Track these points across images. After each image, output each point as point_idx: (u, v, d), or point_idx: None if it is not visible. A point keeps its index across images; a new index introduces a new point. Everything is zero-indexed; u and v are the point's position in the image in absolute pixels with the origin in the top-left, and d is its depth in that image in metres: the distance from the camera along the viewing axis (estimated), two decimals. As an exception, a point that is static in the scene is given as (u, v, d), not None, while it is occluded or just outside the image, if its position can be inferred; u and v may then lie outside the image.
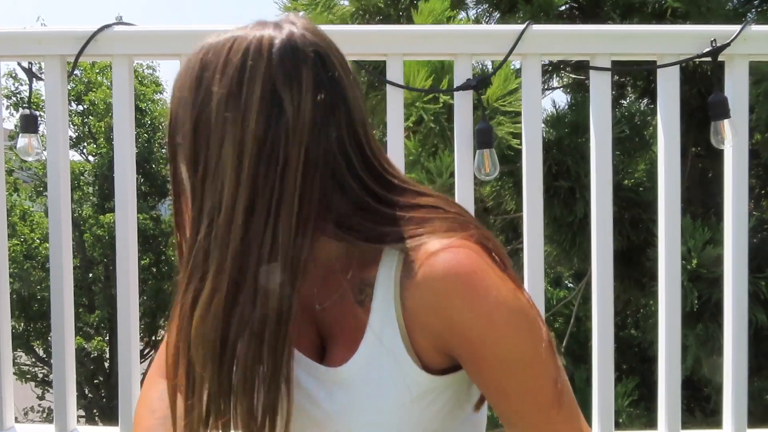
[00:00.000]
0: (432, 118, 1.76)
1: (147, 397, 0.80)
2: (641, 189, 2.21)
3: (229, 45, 0.65)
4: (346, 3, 2.58)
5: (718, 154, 1.37)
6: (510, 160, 1.85)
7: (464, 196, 1.29)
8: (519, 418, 0.66)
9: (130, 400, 1.33)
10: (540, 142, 1.31)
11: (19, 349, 9.11)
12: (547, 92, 2.76)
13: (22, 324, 9.19)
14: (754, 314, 1.83)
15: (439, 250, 0.64)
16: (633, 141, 2.30)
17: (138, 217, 1.42)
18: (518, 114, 1.61)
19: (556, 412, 0.66)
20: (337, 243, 0.71)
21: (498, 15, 2.55)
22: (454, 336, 0.64)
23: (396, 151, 1.28)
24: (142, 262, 9.28)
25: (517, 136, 1.59)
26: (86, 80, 9.50)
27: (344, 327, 0.71)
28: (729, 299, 1.31)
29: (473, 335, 0.63)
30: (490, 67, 2.15)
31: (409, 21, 2.22)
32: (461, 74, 1.29)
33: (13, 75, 8.81)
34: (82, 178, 9.73)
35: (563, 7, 2.36)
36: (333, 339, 0.73)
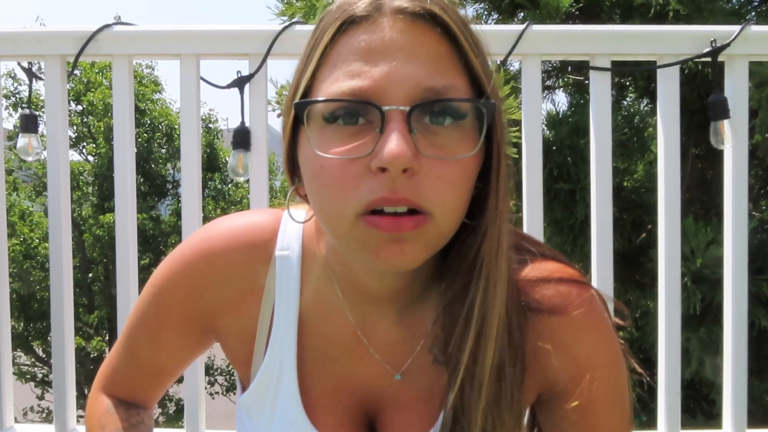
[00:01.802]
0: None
1: (95, 411, 0.76)
2: (642, 191, 2.21)
3: None
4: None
5: (719, 155, 1.37)
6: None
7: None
8: None
9: (130, 401, 1.32)
10: (540, 143, 1.31)
11: (18, 349, 9.09)
12: (546, 93, 2.76)
13: (22, 324, 9.16)
14: (757, 317, 1.83)
15: (563, 283, 0.64)
16: (633, 142, 2.30)
17: (138, 217, 1.42)
18: (512, 122, 1.61)
19: None
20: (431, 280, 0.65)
21: (498, 16, 2.54)
22: (572, 370, 0.63)
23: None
24: (142, 262, 9.26)
25: (514, 144, 1.60)
26: (85, 80, 9.48)
27: (413, 396, 0.65)
28: (729, 299, 1.31)
29: (594, 371, 0.63)
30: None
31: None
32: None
33: (12, 75, 8.79)
34: (81, 178, 9.71)
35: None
36: (390, 412, 0.66)
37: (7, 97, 8.62)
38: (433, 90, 0.52)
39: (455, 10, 0.56)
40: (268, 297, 0.67)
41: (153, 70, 10.49)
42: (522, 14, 2.28)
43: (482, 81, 0.56)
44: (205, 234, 0.69)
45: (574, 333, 0.62)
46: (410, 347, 0.65)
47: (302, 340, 0.67)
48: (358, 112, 0.53)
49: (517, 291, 0.63)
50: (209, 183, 10.34)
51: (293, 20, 1.35)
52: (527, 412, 0.70)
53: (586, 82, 2.57)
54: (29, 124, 1.36)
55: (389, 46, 0.53)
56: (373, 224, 0.52)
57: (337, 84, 0.53)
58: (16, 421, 1.40)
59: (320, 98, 0.54)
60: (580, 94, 2.63)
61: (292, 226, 0.69)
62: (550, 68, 2.64)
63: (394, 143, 0.50)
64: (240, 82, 1.30)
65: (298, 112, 0.55)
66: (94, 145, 9.68)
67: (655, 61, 1.31)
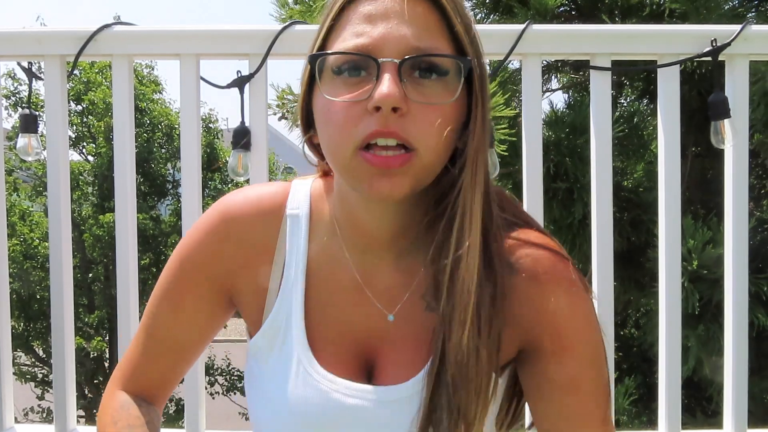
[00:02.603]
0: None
1: (108, 407, 0.79)
2: (641, 190, 2.21)
3: None
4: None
5: (718, 154, 1.37)
6: (508, 162, 1.85)
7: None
8: (581, 419, 0.69)
9: (130, 401, 1.33)
10: (540, 143, 1.31)
11: (18, 350, 9.08)
12: (547, 94, 2.76)
13: (22, 324, 9.15)
14: (756, 315, 1.83)
15: (539, 249, 0.71)
16: (632, 141, 2.30)
17: (138, 217, 1.42)
18: (506, 118, 1.62)
19: (609, 418, 0.71)
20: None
21: (496, 18, 2.54)
22: (547, 327, 0.69)
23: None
24: (142, 262, 9.24)
25: (504, 142, 1.61)
26: (85, 80, 9.47)
27: (405, 336, 0.72)
28: (729, 299, 1.31)
29: (569, 327, 0.69)
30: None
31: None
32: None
33: (12, 75, 8.78)
34: (81, 178, 9.69)
35: (561, 9, 2.36)
36: (385, 352, 0.73)
37: (6, 97, 8.62)
38: (419, 49, 0.64)
39: None
40: (280, 252, 0.76)
41: (153, 70, 10.49)
42: (519, 15, 2.28)
43: (463, 43, 0.67)
44: (222, 202, 0.78)
45: (553, 295, 0.69)
46: (403, 292, 0.73)
47: (309, 289, 0.75)
48: (360, 65, 0.64)
49: (501, 245, 0.70)
50: (209, 183, 10.34)
51: (293, 20, 1.35)
52: (508, 377, 0.76)
53: (581, 78, 2.57)
54: (29, 124, 1.36)
55: (387, 13, 0.64)
56: (367, 160, 0.63)
57: (344, 42, 0.65)
58: (16, 421, 1.40)
59: (329, 52, 0.66)
60: (577, 92, 2.63)
61: (300, 190, 0.78)
62: (544, 67, 2.64)
63: (385, 86, 0.61)
64: (240, 82, 1.30)
65: (312, 64, 0.67)
66: (94, 145, 9.67)
67: (655, 61, 1.31)
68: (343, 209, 0.74)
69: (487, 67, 0.75)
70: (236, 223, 0.76)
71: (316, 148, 0.74)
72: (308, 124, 0.72)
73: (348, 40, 0.65)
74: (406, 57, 0.63)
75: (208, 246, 0.76)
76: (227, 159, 1.31)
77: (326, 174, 0.80)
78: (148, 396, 0.81)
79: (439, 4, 0.66)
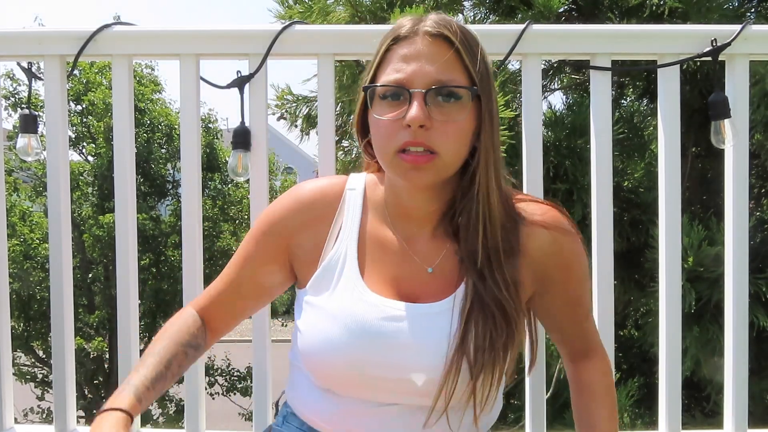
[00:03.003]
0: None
1: (176, 313, 1.02)
2: (641, 190, 2.20)
3: None
4: (342, 9, 2.57)
5: (718, 154, 1.37)
6: (508, 163, 1.85)
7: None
8: (580, 321, 1.02)
9: (130, 401, 1.32)
10: (540, 143, 1.31)
11: (18, 350, 9.06)
12: (546, 94, 2.75)
13: (22, 324, 9.13)
14: (756, 316, 1.82)
15: (543, 205, 0.97)
16: (632, 142, 2.30)
17: (138, 217, 1.42)
18: (503, 119, 1.62)
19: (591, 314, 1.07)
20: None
21: (496, 18, 2.54)
22: (557, 260, 0.95)
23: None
24: (142, 262, 9.22)
25: (502, 143, 1.61)
26: (85, 80, 9.45)
27: (439, 283, 0.93)
28: (729, 299, 1.31)
29: (572, 260, 0.96)
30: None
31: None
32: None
33: (11, 75, 8.77)
34: (81, 178, 9.67)
35: (561, 9, 2.35)
36: (423, 294, 0.93)
37: (6, 97, 8.61)
38: (440, 81, 0.87)
39: (460, 30, 0.89)
40: (339, 215, 0.98)
41: (153, 70, 10.48)
42: (520, 15, 2.28)
43: (473, 74, 0.89)
44: (293, 187, 1.01)
45: (559, 237, 0.95)
46: (440, 252, 0.95)
47: (361, 246, 0.96)
48: (398, 93, 0.87)
49: (513, 207, 0.94)
50: (209, 183, 10.32)
51: (293, 20, 1.35)
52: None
53: (581, 79, 2.57)
54: (29, 124, 1.36)
55: (417, 54, 0.88)
56: (403, 159, 0.87)
57: (387, 76, 0.89)
58: (16, 421, 1.41)
59: (377, 84, 0.90)
60: (577, 93, 2.63)
61: (357, 178, 1.01)
62: (545, 68, 2.64)
63: (413, 110, 0.85)
64: (240, 82, 1.30)
65: (365, 92, 0.91)
66: (94, 145, 9.66)
67: (655, 61, 1.31)
68: (391, 194, 0.97)
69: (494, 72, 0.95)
70: (304, 197, 0.99)
71: (369, 148, 0.96)
72: (364, 133, 0.96)
73: (390, 74, 0.88)
74: (432, 87, 0.86)
75: (279, 212, 0.99)
76: (227, 159, 1.31)
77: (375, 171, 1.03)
78: (208, 321, 1.03)
79: (456, 47, 0.88)
